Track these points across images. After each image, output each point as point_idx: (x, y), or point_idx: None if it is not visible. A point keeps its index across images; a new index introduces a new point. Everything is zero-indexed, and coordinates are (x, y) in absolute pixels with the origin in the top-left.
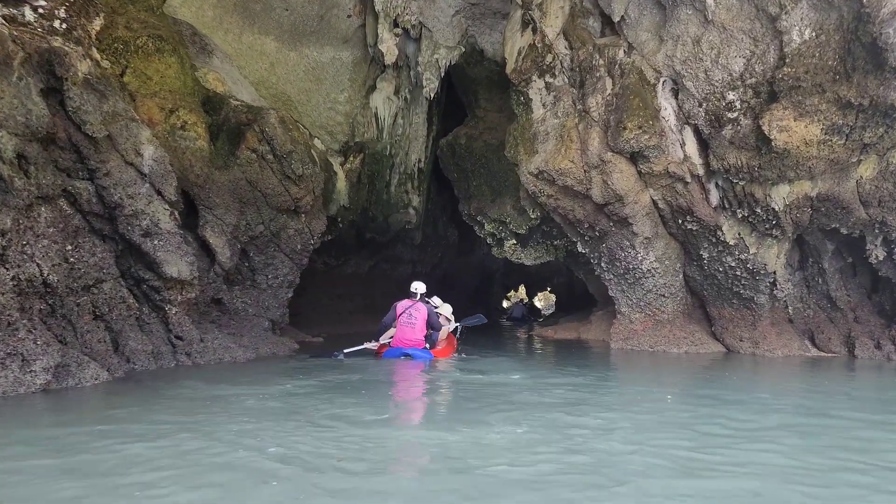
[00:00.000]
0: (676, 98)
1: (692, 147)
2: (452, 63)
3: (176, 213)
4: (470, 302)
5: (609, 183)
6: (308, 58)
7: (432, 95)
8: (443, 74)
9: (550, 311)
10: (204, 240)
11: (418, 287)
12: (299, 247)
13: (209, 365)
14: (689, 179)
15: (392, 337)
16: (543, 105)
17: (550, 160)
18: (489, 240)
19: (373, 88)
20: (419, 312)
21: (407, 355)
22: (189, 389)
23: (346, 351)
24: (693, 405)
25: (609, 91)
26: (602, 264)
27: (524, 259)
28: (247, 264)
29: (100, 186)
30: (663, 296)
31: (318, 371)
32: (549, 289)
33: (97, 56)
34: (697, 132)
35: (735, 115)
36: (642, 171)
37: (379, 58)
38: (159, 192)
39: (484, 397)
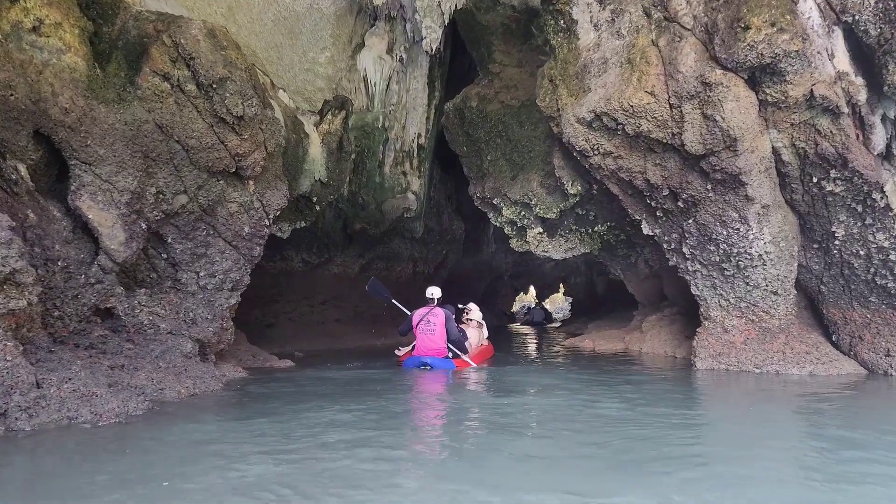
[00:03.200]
0: None
1: (844, 59)
2: (458, 7)
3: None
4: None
5: (717, 118)
6: (278, 4)
7: (433, 48)
8: (446, 21)
9: (565, 316)
10: (79, 214)
11: (434, 292)
12: (247, 229)
13: (40, 434)
14: (844, 109)
15: (413, 347)
16: (595, 26)
17: (615, 96)
18: (507, 229)
19: (361, 46)
20: (437, 318)
21: (426, 364)
22: None
23: (394, 301)
24: None
25: None
26: (685, 249)
27: (552, 252)
28: (164, 255)
29: None
30: (775, 293)
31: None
32: (562, 290)
33: None
34: (852, 36)
35: None
36: (769, 98)
37: (367, 2)
38: None
39: None
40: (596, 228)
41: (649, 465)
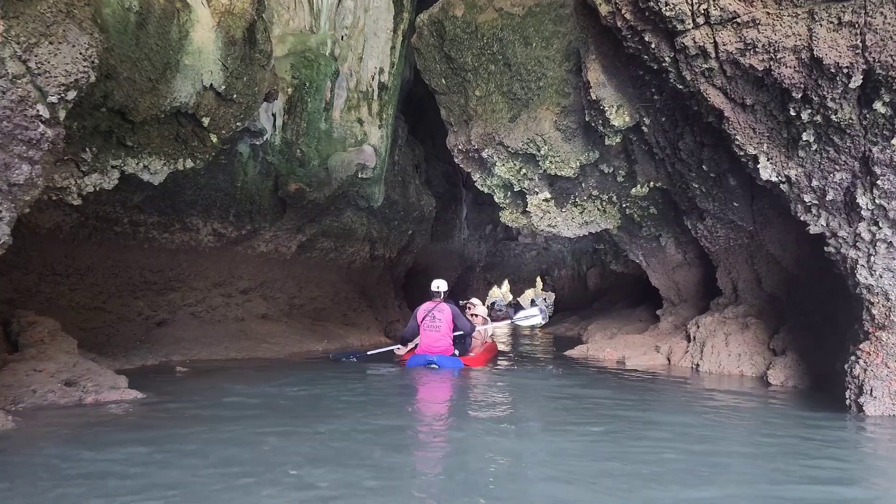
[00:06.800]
0: None
1: None
2: None
3: None
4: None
5: None
6: None
7: None
8: None
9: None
10: None
11: (440, 285)
12: None
13: None
14: None
15: (417, 344)
16: None
17: None
18: (498, 195)
19: None
20: (443, 313)
21: (432, 363)
22: None
23: (369, 353)
24: None
25: None
26: (862, 200)
27: (560, 227)
28: None
29: None
30: None
31: None
32: (542, 285)
33: None
34: None
35: None
36: None
37: None
38: None
39: None
40: (633, 192)
41: None
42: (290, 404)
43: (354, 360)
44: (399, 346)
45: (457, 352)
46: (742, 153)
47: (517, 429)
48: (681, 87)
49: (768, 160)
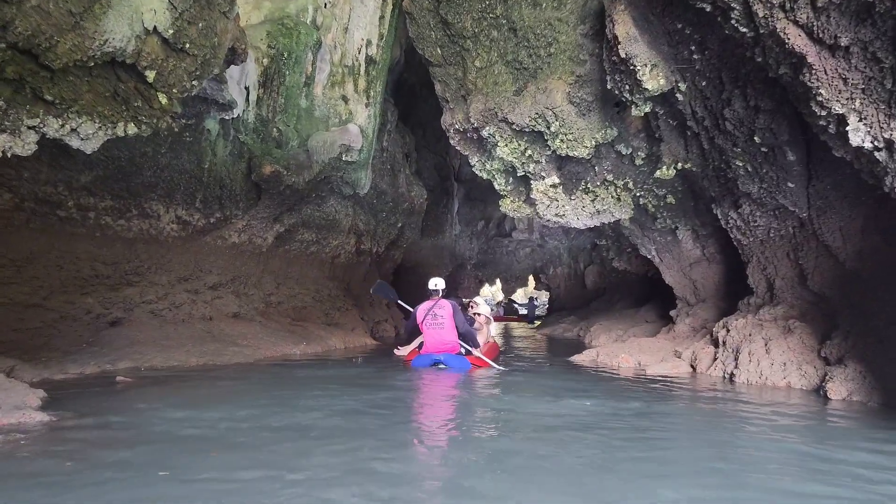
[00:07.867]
0: None
1: None
2: None
3: None
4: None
5: None
6: None
7: None
8: None
9: (540, 312)
10: None
11: (438, 283)
12: None
13: None
14: None
15: (421, 344)
16: None
17: None
18: (499, 182)
19: None
20: (444, 310)
21: (439, 363)
22: None
23: (400, 301)
24: None
25: None
26: None
27: (569, 216)
28: None
29: None
30: None
31: None
32: (535, 283)
33: None
34: None
35: None
36: None
37: None
38: None
39: None
40: (657, 174)
41: None
42: (236, 435)
43: (392, 298)
44: (399, 346)
45: (463, 350)
46: (824, 113)
47: (553, 489)
48: (745, 30)
49: (860, 120)
